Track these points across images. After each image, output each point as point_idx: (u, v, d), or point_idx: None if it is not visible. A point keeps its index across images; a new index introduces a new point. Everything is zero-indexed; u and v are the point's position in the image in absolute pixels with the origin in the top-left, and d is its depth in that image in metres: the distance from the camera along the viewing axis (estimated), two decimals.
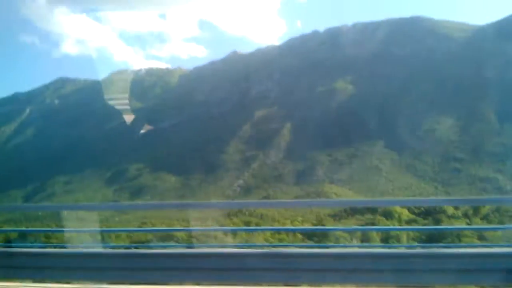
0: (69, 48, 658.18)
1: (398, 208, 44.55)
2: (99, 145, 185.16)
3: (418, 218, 43.47)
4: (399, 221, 43.37)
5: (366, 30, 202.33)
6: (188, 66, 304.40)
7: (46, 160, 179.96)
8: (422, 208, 43.45)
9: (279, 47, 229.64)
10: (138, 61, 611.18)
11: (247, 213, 78.71)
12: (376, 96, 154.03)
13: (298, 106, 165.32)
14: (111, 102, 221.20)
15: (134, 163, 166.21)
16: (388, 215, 44.25)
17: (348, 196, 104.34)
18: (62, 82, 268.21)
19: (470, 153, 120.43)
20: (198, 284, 7.44)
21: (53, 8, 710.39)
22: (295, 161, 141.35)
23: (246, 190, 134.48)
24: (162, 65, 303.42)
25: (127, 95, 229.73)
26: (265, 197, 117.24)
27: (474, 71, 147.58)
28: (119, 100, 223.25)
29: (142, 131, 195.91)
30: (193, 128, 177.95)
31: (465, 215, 41.16)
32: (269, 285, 7.12)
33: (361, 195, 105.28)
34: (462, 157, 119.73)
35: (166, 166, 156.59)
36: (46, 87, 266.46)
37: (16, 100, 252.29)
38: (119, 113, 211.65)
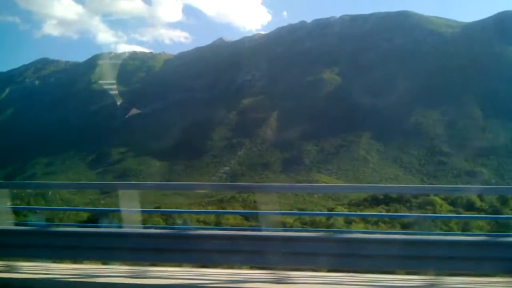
0: (51, 29, 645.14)
1: (438, 199, 41.44)
2: (80, 128, 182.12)
3: (460, 209, 39.25)
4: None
5: (354, 22, 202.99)
6: (172, 52, 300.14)
7: (26, 141, 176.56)
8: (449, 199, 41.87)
9: (266, 35, 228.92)
10: (120, 45, 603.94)
11: (240, 199, 78.14)
12: (363, 88, 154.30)
13: (285, 96, 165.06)
14: (93, 85, 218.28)
15: (117, 146, 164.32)
16: (428, 205, 40.31)
17: None
18: (43, 63, 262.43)
19: (456, 147, 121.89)
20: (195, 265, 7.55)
21: None
22: (281, 149, 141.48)
23: (232, 177, 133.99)
24: (146, 50, 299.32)
25: (110, 78, 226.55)
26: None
27: (461, 67, 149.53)
28: (102, 83, 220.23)
29: (127, 115, 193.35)
30: (177, 113, 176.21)
31: (492, 207, 39.23)
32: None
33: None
34: (448, 151, 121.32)
35: (150, 150, 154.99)
36: (26, 67, 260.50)
37: None
38: (101, 96, 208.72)
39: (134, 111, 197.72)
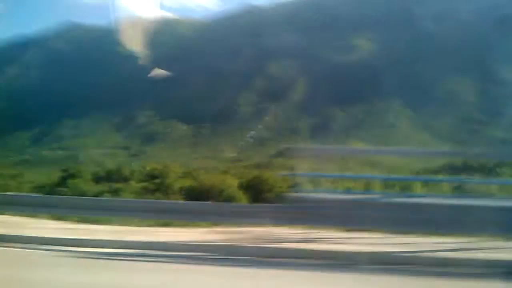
0: None
1: None
2: (107, 91, 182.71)
3: None
4: None
5: None
6: (199, 17, 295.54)
7: (53, 103, 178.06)
8: None
9: (295, 0, 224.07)
10: (147, 10, 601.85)
11: None
12: (394, 55, 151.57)
13: (313, 61, 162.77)
14: (120, 49, 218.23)
15: (144, 110, 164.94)
16: None
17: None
18: (69, 27, 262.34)
19: (489, 115, 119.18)
20: None
21: None
22: (309, 115, 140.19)
23: (260, 142, 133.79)
24: (171, 15, 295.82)
25: (136, 43, 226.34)
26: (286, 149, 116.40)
27: (492, 31, 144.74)
28: (129, 47, 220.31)
29: (152, 76, 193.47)
30: (203, 78, 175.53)
31: None
32: None
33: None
34: (481, 119, 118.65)
35: (177, 114, 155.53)
36: (52, 31, 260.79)
37: (22, 43, 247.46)
38: (127, 60, 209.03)
39: (157, 71, 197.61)
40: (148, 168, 53.34)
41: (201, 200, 19.14)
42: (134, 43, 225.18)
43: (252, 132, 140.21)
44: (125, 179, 46.41)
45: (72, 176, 48.22)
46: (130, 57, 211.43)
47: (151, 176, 48.19)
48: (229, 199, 34.65)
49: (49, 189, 40.57)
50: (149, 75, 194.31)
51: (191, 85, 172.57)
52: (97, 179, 47.11)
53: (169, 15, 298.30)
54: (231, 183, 42.43)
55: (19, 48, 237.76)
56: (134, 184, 43.12)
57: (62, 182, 45.61)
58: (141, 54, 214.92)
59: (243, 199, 35.47)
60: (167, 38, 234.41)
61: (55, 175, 59.03)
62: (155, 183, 43.27)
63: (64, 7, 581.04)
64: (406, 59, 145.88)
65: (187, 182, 44.02)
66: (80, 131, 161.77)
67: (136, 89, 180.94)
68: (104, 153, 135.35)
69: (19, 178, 59.09)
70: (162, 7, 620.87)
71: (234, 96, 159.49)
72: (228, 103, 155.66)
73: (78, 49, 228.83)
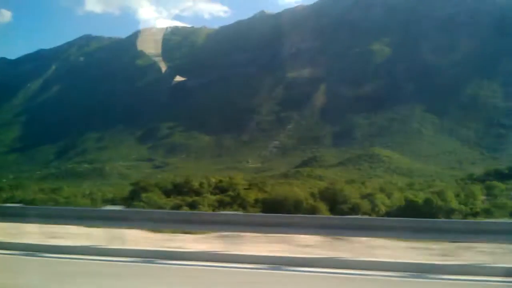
0: (92, 6, 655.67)
1: None
2: (127, 103, 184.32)
3: None
4: None
5: None
6: (212, 26, 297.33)
7: (75, 117, 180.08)
8: None
9: (309, 7, 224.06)
10: (161, 20, 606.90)
11: None
12: (414, 59, 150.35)
13: (332, 68, 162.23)
14: (137, 60, 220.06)
15: (165, 121, 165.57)
16: None
17: (398, 159, 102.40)
18: (86, 40, 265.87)
19: None
20: None
21: None
22: (331, 123, 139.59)
23: (283, 151, 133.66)
24: (186, 25, 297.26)
25: (153, 54, 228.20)
26: (311, 158, 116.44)
27: None
28: (146, 58, 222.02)
29: (173, 82, 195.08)
30: (223, 87, 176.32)
31: None
32: None
33: (408, 159, 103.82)
34: (507, 123, 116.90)
35: (198, 125, 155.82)
36: (70, 44, 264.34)
37: (41, 57, 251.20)
38: (146, 71, 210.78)
39: (178, 78, 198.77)
40: (213, 180, 54.16)
41: (277, 212, 17.93)
42: (152, 54, 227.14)
43: (275, 142, 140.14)
44: (197, 192, 47.17)
45: (144, 189, 48.90)
46: (149, 68, 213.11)
47: (221, 189, 49.19)
48: (311, 210, 35.12)
49: (124, 203, 40.39)
50: (168, 86, 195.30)
51: (211, 95, 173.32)
52: (166, 192, 47.89)
53: (183, 25, 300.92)
54: (303, 194, 42.83)
55: (40, 63, 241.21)
56: (209, 197, 43.99)
57: (135, 196, 46.15)
58: (159, 65, 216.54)
59: (325, 211, 36.02)
60: (183, 48, 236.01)
61: (124, 188, 59.05)
62: (230, 196, 44.18)
63: (81, 20, 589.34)
64: (426, 63, 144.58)
65: (258, 194, 44.80)
66: (103, 143, 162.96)
67: (156, 100, 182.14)
68: (129, 166, 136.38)
69: (59, 192, 59.59)
70: (177, 17, 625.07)
71: (254, 105, 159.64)
72: (249, 113, 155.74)
73: (97, 62, 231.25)
